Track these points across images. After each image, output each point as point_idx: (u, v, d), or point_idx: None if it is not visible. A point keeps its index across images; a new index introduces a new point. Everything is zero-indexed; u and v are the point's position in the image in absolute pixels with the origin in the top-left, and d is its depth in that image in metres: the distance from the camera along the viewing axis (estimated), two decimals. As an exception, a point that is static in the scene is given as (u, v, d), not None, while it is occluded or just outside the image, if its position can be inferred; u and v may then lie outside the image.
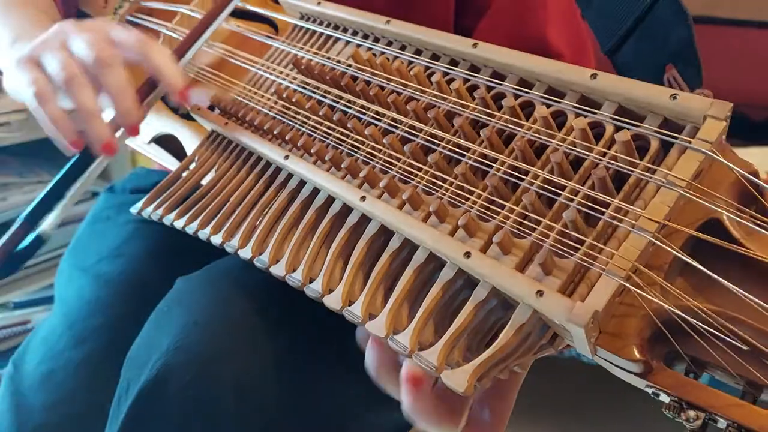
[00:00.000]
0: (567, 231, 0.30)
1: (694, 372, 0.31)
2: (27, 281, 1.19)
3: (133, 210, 0.50)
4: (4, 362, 0.56)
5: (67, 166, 0.46)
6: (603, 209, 0.30)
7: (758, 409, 0.27)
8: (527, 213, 0.32)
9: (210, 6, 0.59)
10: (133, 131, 0.44)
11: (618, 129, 0.32)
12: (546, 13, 0.52)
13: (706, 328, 0.28)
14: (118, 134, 0.44)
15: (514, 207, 0.33)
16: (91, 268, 0.57)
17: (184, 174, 0.50)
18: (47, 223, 0.45)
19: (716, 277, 0.27)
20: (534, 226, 0.32)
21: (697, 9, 0.96)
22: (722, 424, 0.28)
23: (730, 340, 0.27)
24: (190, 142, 0.57)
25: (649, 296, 0.28)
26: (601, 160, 0.31)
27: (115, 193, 0.67)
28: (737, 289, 0.26)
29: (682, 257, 0.28)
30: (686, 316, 0.28)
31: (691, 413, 0.28)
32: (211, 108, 0.52)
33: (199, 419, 0.42)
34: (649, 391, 0.30)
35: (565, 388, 1.21)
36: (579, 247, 0.30)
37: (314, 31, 0.49)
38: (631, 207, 0.29)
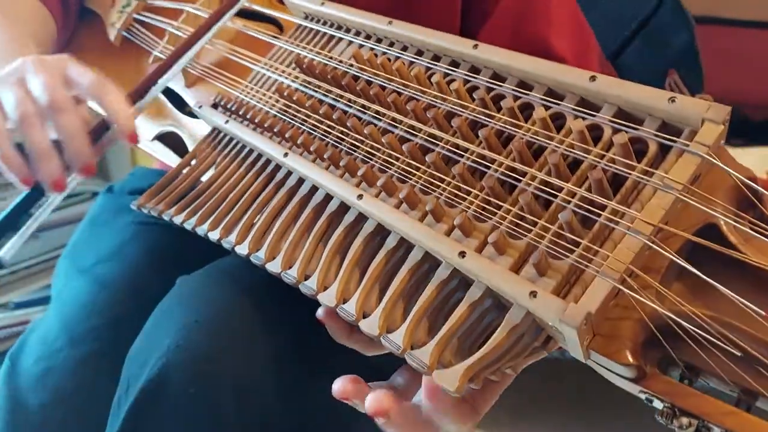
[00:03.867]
0: (563, 233, 0.30)
1: (689, 378, 0.30)
2: (27, 281, 1.18)
3: (133, 205, 0.50)
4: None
5: (20, 198, 0.46)
6: (599, 211, 0.30)
7: (752, 417, 0.27)
8: (524, 214, 0.32)
9: (215, 7, 0.60)
10: (86, 171, 0.44)
11: (616, 132, 0.32)
12: (549, 19, 0.51)
13: (701, 333, 0.27)
14: (71, 176, 0.45)
15: (511, 208, 0.32)
16: (89, 270, 0.57)
17: (185, 171, 0.50)
18: (5, 250, 0.45)
19: (711, 281, 0.27)
20: (530, 227, 0.31)
21: (697, 9, 0.95)
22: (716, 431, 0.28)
23: (725, 347, 0.27)
24: (191, 140, 0.57)
25: (643, 299, 0.28)
26: (598, 162, 0.31)
27: (114, 194, 0.67)
28: (731, 293, 0.26)
29: (678, 261, 0.28)
30: (681, 321, 0.27)
31: (684, 420, 0.28)
32: (215, 106, 0.52)
33: (200, 418, 0.42)
34: (643, 397, 0.30)
35: (565, 388, 1.20)
36: (574, 249, 0.30)
37: (317, 31, 0.49)
38: (628, 209, 0.29)
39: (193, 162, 0.51)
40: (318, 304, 0.37)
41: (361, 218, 0.38)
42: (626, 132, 0.31)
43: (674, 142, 0.30)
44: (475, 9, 0.55)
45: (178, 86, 0.60)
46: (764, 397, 0.27)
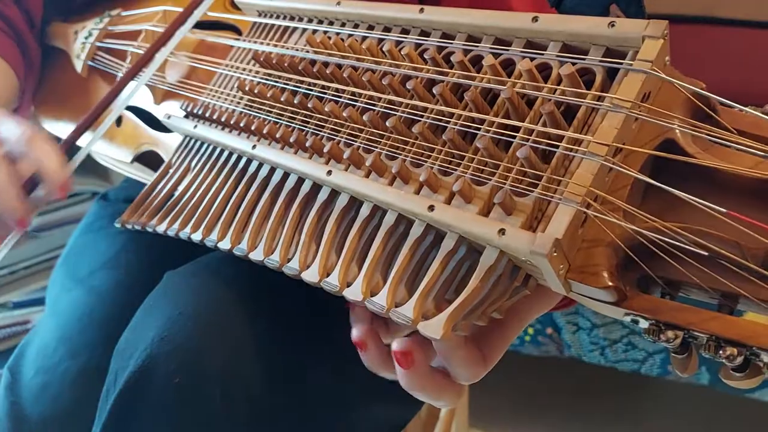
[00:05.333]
0: (525, 170, 0.31)
1: (670, 294, 0.30)
2: (27, 281, 1.16)
3: (117, 224, 0.51)
4: (4, 362, 0.57)
5: None
6: (558, 143, 0.30)
7: (735, 318, 0.27)
8: (486, 159, 0.32)
9: (171, 20, 0.60)
10: (20, 225, 0.43)
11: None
12: None
13: (674, 244, 0.28)
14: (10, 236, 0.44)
15: (473, 156, 0.33)
16: (85, 280, 0.58)
17: (162, 182, 0.51)
18: None
19: (673, 190, 0.27)
20: (494, 171, 0.32)
21: (697, 9, 0.95)
22: (702, 339, 0.28)
23: (699, 253, 0.27)
24: (168, 155, 0.58)
25: (611, 220, 0.28)
26: (550, 97, 0.32)
27: (109, 201, 0.67)
28: (690, 196, 0.26)
29: (638, 176, 0.28)
30: (651, 235, 0.28)
31: (670, 333, 0.28)
32: (187, 116, 0.52)
33: (185, 408, 0.42)
34: (628, 319, 0.30)
35: (565, 388, 1.19)
36: (538, 183, 0.30)
37: (272, 26, 0.50)
38: (582, 136, 0.29)
39: (170, 172, 0.51)
40: (303, 296, 0.37)
41: (334, 195, 0.38)
42: (572, 64, 0.32)
43: (619, 64, 0.30)
44: None
45: (148, 104, 0.60)
46: (744, 297, 0.28)
